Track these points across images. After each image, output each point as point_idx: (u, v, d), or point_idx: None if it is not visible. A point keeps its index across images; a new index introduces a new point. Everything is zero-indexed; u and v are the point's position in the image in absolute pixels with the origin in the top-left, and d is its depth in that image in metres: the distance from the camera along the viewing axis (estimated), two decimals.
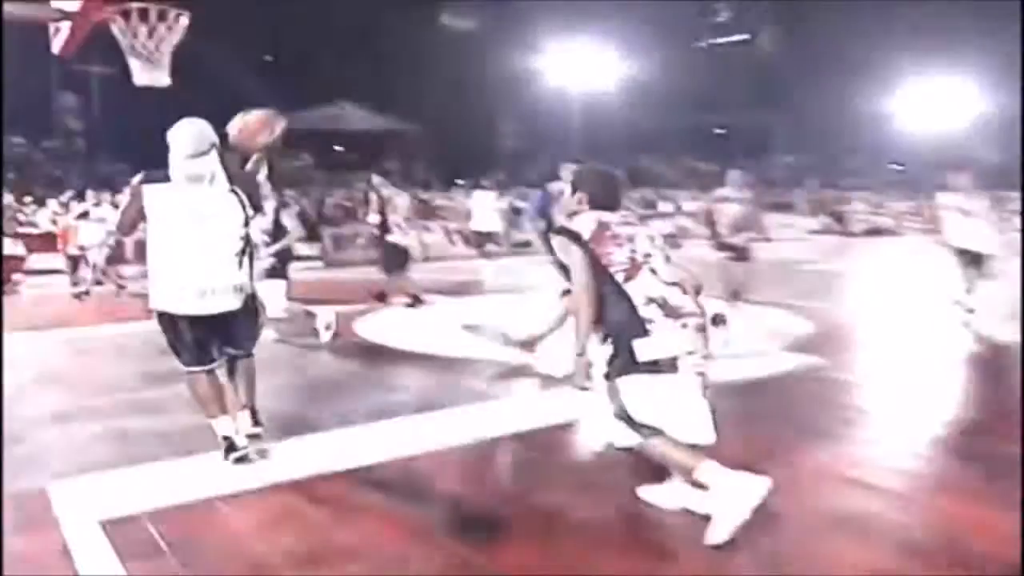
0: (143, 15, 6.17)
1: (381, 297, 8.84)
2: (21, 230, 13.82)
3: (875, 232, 22.28)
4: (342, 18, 33.33)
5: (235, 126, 4.01)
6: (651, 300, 2.92)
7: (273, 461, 3.68)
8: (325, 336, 6.71)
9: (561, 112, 34.33)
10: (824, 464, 3.67)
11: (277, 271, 6.47)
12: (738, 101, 38.58)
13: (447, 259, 14.53)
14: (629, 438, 2.95)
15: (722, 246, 7.00)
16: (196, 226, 3.52)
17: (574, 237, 3.02)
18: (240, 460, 3.64)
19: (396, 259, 8.83)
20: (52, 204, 16.34)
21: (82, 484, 3.44)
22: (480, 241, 12.86)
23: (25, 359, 6.04)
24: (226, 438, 3.67)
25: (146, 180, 3.57)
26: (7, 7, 6.08)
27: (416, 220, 16.99)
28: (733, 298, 6.88)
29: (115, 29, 6.16)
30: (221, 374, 3.75)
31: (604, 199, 3.15)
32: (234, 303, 3.61)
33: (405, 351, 6.42)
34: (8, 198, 14.06)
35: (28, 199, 18.21)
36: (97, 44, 7.40)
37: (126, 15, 6.11)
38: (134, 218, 3.64)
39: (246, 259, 3.66)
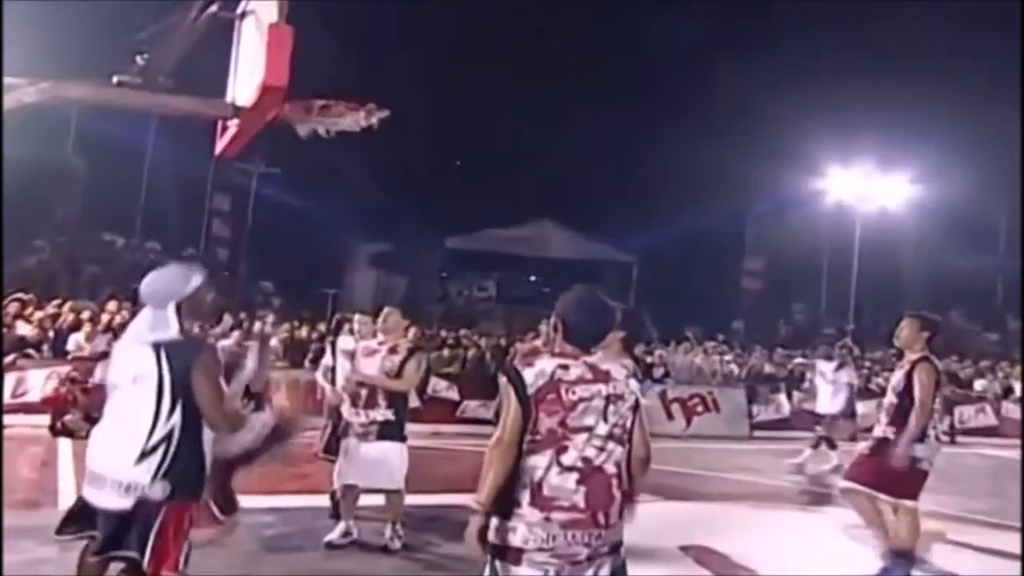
0: (327, 112, 6.54)
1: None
2: None
3: None
4: (555, 117, 33.47)
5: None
6: (532, 483, 3.22)
7: None
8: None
9: (834, 247, 33.60)
10: None
11: (392, 428, 6.54)
12: None
13: (661, 437, 13.86)
14: None
15: None
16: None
17: (518, 385, 3.25)
18: None
19: None
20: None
21: None
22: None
23: None
24: None
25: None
26: (177, 101, 6.66)
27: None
28: None
29: (298, 127, 6.55)
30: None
31: (583, 332, 3.41)
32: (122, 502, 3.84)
33: None
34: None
35: None
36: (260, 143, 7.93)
37: (308, 111, 6.48)
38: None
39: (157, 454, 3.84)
